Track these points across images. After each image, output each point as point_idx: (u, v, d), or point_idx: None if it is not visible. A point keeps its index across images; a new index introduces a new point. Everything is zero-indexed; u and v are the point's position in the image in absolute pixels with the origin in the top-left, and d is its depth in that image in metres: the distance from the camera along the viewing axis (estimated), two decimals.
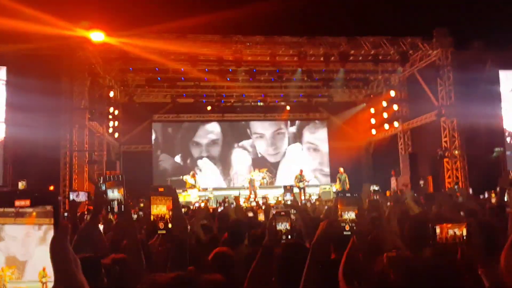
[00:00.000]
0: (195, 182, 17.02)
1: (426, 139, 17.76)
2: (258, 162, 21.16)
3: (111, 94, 17.26)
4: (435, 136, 16.41)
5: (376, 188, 14.82)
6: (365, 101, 21.39)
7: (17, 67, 13.72)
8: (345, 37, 15.76)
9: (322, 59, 16.12)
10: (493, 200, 6.79)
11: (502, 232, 2.99)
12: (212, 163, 21.36)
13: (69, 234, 0.91)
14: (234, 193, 18.24)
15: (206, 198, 16.74)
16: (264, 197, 15.57)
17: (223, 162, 21.50)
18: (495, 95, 16.60)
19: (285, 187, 4.80)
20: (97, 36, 13.53)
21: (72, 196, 10.65)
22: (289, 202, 4.38)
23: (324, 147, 22.42)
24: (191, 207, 11.34)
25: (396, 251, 2.30)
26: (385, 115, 19.63)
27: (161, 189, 2.01)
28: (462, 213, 4.61)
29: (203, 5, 15.67)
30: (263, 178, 18.56)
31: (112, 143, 19.00)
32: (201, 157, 21.34)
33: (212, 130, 21.72)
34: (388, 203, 5.57)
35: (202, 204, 12.47)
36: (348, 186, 17.05)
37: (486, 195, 8.63)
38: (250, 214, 4.88)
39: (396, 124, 19.18)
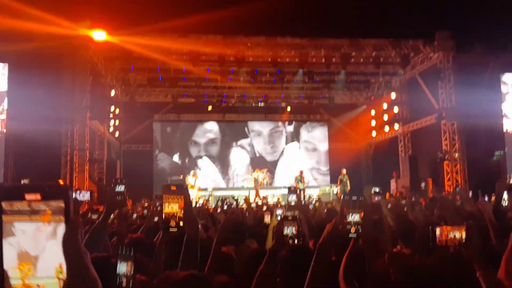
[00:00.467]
0: (194, 182, 17.01)
1: (426, 142, 17.78)
2: (257, 162, 21.17)
3: (113, 93, 17.30)
4: (435, 139, 16.42)
5: (377, 190, 14.84)
6: (365, 103, 21.41)
7: (19, 65, 13.73)
8: (347, 39, 15.78)
9: (323, 60, 16.17)
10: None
11: (500, 236, 3.01)
12: (211, 162, 21.38)
13: (80, 229, 0.92)
14: (233, 193, 18.26)
15: (206, 198, 16.75)
16: (264, 198, 15.60)
17: (222, 161, 21.51)
18: (495, 98, 16.61)
19: (289, 188, 4.78)
20: (99, 35, 13.56)
21: (75, 194, 10.64)
22: (293, 203, 4.37)
23: (322, 146, 22.41)
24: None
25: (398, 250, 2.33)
26: (385, 117, 19.65)
27: (173, 188, 2.02)
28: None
29: (205, 5, 15.66)
30: (263, 179, 18.58)
31: (112, 142, 19.01)
32: (199, 157, 21.33)
33: (210, 129, 21.71)
34: (389, 205, 5.58)
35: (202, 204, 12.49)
36: (348, 187, 17.05)
37: (486, 199, 8.64)
38: (267, 219, 4.71)
39: (396, 126, 19.19)
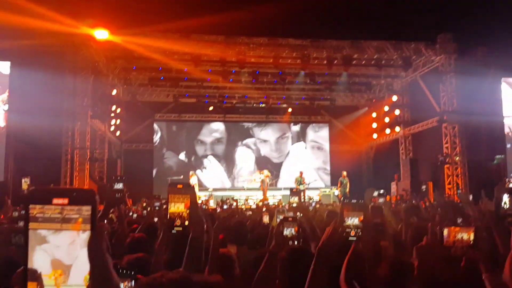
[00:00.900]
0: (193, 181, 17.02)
1: (427, 145, 17.76)
2: (262, 161, 21.25)
3: (114, 92, 17.31)
4: (436, 142, 16.40)
5: (381, 192, 14.84)
6: (367, 105, 21.40)
7: (21, 63, 13.74)
8: (349, 41, 15.78)
9: (325, 62, 16.14)
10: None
11: (502, 239, 2.99)
12: (217, 161, 21.42)
13: (105, 235, 0.91)
14: (235, 193, 18.27)
15: (207, 198, 16.74)
16: (264, 199, 15.60)
17: (227, 160, 21.56)
18: (497, 102, 16.60)
19: (291, 189, 4.77)
20: (101, 34, 13.56)
21: None
22: (294, 205, 4.36)
23: (327, 146, 22.47)
24: None
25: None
26: (386, 119, 19.64)
27: (179, 186, 1.99)
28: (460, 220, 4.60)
29: (208, 5, 15.68)
30: (269, 180, 18.59)
31: (113, 141, 19.00)
32: (205, 155, 21.40)
33: (216, 128, 21.79)
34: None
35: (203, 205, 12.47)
36: (347, 190, 17.02)
37: None
38: (265, 219, 4.59)
39: (397, 129, 19.18)
